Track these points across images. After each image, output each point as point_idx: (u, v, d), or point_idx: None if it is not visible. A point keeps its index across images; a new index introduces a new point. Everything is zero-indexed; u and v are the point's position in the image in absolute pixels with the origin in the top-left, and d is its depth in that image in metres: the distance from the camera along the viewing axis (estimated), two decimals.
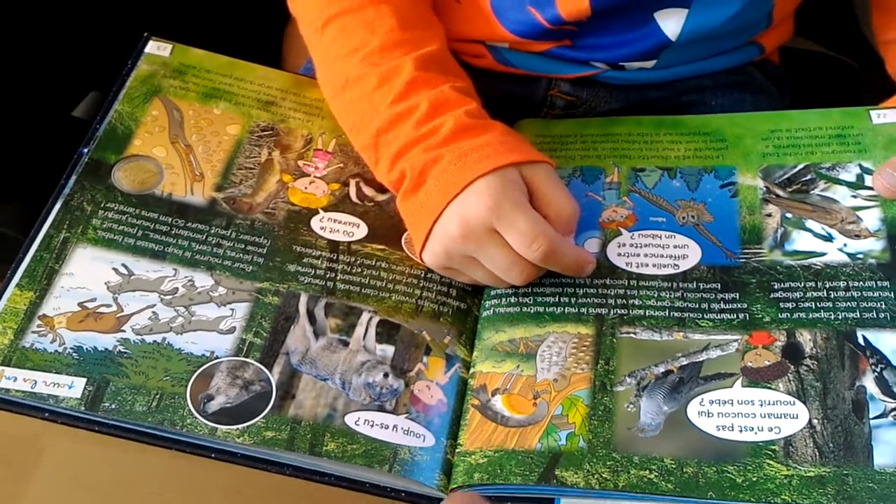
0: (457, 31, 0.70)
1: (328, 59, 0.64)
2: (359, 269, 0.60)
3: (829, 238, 0.58)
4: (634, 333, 0.55)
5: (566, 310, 0.56)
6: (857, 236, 0.58)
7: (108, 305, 0.56)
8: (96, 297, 0.57)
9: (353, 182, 0.65)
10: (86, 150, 0.64)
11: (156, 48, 0.70)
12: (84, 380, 0.53)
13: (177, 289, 0.58)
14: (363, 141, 0.62)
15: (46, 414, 0.53)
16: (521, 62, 0.70)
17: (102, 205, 0.61)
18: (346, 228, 0.62)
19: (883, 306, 0.54)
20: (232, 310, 0.57)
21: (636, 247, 0.59)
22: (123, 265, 0.58)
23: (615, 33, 0.66)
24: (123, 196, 0.62)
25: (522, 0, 0.66)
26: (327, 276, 0.59)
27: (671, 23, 0.65)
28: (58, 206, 0.61)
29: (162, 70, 0.69)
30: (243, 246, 0.60)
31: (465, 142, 0.57)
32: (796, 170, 0.62)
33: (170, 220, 0.61)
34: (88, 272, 0.58)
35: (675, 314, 0.55)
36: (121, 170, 0.63)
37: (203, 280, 0.58)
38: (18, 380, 0.53)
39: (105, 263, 0.58)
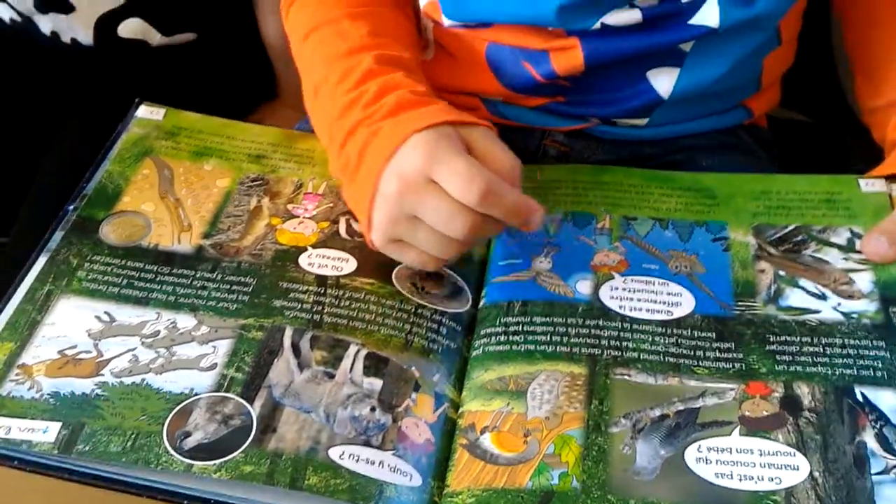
0: (453, 83, 0.70)
1: (305, 68, 0.65)
2: (347, 303, 0.58)
3: (822, 297, 0.58)
4: (629, 375, 0.54)
5: (558, 349, 0.55)
6: (851, 297, 0.57)
7: (89, 351, 0.55)
8: (77, 344, 0.55)
9: (342, 219, 0.64)
10: (72, 207, 0.63)
11: (148, 112, 0.71)
12: (59, 423, 0.51)
13: (158, 331, 0.56)
14: (325, 139, 0.61)
15: (15, 462, 0.50)
16: (516, 115, 0.70)
17: (88, 258, 0.60)
18: (334, 263, 0.60)
19: (879, 365, 0.53)
20: (214, 347, 0.55)
21: (629, 291, 0.59)
22: (106, 313, 0.57)
23: (608, 90, 0.67)
24: (110, 249, 0.61)
25: (518, 55, 0.66)
26: (314, 309, 0.57)
27: (663, 81, 0.66)
28: (43, 259, 0.60)
29: (154, 132, 0.69)
30: (228, 286, 0.59)
31: (405, 113, 0.57)
32: (788, 230, 0.62)
33: (155, 268, 0.60)
34: (70, 321, 0.56)
35: (670, 359, 0.54)
36: (109, 224, 0.62)
37: (186, 321, 0.56)
38: None
39: (88, 312, 0.57)
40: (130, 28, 0.85)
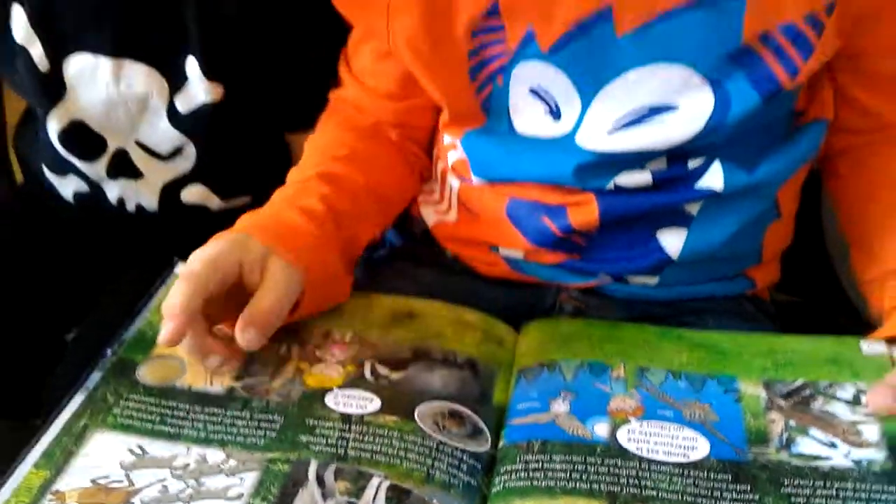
0: (476, 237, 0.75)
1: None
2: (371, 438, 0.60)
3: (833, 445, 0.59)
4: None
5: (578, 485, 0.56)
6: (860, 446, 0.59)
7: (120, 481, 0.56)
8: (109, 474, 0.57)
9: (367, 363, 0.66)
10: (110, 352, 0.67)
11: None
12: None
13: (188, 464, 0.58)
14: None
15: None
16: (534, 271, 0.75)
17: (124, 396, 0.63)
18: (359, 402, 0.63)
19: None
20: (241, 478, 0.57)
21: (646, 434, 0.60)
22: (139, 446, 0.59)
23: (621, 248, 0.72)
24: (145, 388, 0.64)
25: (538, 210, 0.71)
26: (339, 444, 0.59)
27: (672, 241, 0.70)
28: (81, 397, 0.63)
29: None
30: (257, 423, 0.61)
31: (255, 216, 0.67)
32: (796, 385, 0.65)
33: (188, 406, 0.62)
34: (104, 453, 0.59)
35: (689, 498, 0.55)
36: (145, 366, 0.66)
37: (215, 455, 0.58)
38: None
39: (121, 445, 0.59)
40: (193, 194, 0.91)
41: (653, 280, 0.73)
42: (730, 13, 0.62)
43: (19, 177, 1.03)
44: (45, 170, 0.92)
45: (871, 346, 0.68)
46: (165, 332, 0.60)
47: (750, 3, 0.62)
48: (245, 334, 0.61)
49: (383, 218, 0.79)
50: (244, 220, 0.68)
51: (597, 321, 0.72)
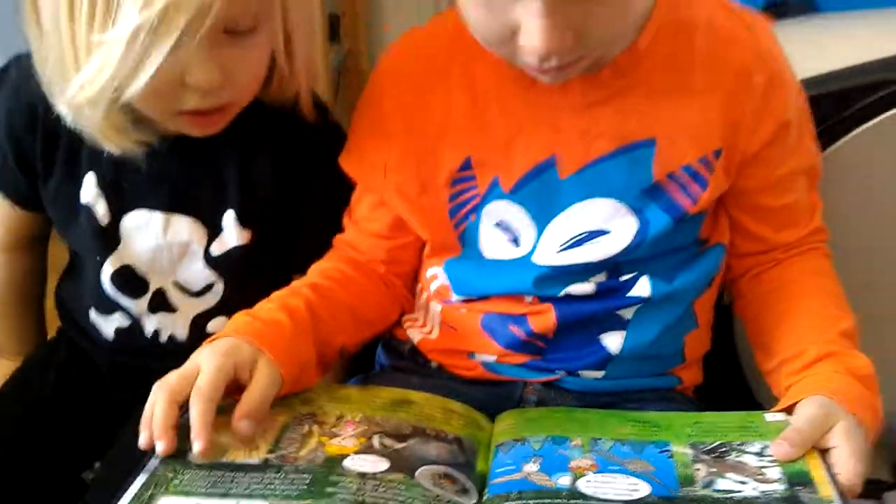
0: (456, 347, 0.93)
1: None
2: (383, 489, 0.75)
3: (744, 483, 0.76)
4: None
5: None
6: (766, 482, 0.76)
7: None
8: None
9: (376, 436, 0.82)
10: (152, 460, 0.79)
11: None
12: None
13: None
14: None
15: None
16: (505, 371, 0.92)
17: (180, 472, 0.76)
18: (372, 464, 0.78)
19: None
20: None
21: (600, 482, 0.76)
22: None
23: (573, 348, 0.90)
24: (197, 465, 0.77)
25: (506, 320, 0.90)
26: (358, 493, 0.74)
27: (613, 341, 0.89)
28: (143, 476, 0.76)
29: None
30: (290, 480, 0.76)
31: (249, 316, 0.85)
32: (715, 444, 0.82)
33: (233, 474, 0.76)
34: None
35: None
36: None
37: None
38: None
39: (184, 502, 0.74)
40: (218, 324, 1.02)
41: (600, 374, 0.91)
42: (643, 159, 0.84)
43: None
44: (92, 311, 1.04)
45: (773, 416, 0.86)
46: (196, 449, 0.75)
47: (657, 152, 0.84)
48: (241, 424, 0.77)
49: (358, 333, 0.96)
50: (240, 322, 0.85)
51: (556, 408, 0.89)
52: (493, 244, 0.90)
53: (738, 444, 0.82)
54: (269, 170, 0.97)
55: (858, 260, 0.99)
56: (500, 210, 0.89)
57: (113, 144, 0.90)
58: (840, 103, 1.05)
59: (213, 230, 0.99)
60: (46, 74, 0.88)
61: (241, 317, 0.86)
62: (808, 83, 1.02)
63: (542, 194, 0.87)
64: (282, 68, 0.92)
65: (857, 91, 1.05)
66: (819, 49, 1.11)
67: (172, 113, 0.88)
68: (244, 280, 1.01)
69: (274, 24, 0.88)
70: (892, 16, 1.22)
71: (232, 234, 0.98)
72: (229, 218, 0.98)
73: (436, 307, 0.96)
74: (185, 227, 0.98)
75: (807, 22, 1.29)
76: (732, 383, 1.11)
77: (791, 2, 1.33)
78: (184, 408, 0.83)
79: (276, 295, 0.90)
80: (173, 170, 0.96)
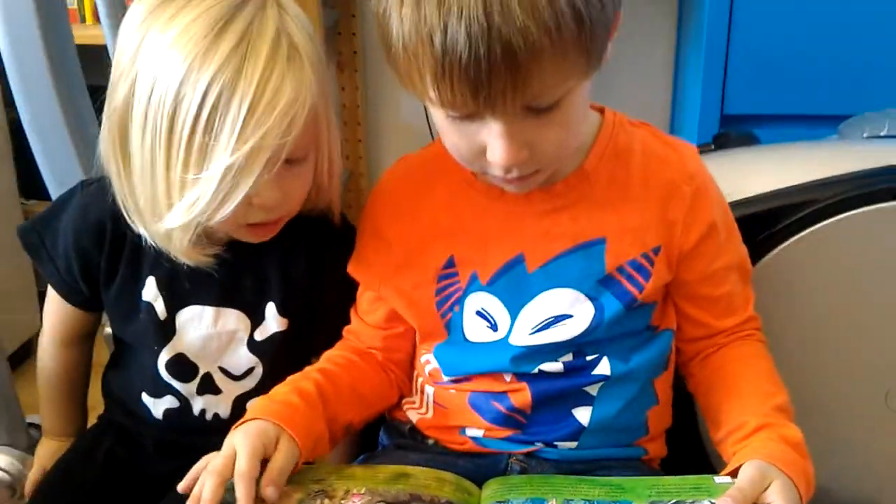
0: (448, 424, 1.07)
1: None
2: None
3: None
4: None
5: None
6: None
7: None
8: None
9: None
10: None
11: None
12: None
13: None
14: None
15: None
16: (492, 444, 1.07)
17: None
18: None
19: None
20: None
21: None
22: None
23: (548, 422, 1.05)
24: None
25: (489, 397, 1.05)
26: None
27: (583, 415, 1.04)
28: None
29: None
30: None
31: (268, 400, 1.01)
32: (671, 503, 0.96)
33: None
34: None
35: None
36: None
37: None
38: None
39: None
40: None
41: (573, 444, 1.05)
42: (596, 255, 1.02)
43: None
44: (144, 395, 1.16)
45: (721, 479, 0.99)
46: None
47: (607, 249, 1.01)
48: (268, 490, 0.92)
49: (360, 410, 1.11)
50: (260, 405, 0.99)
51: (536, 475, 1.03)
52: (474, 329, 1.06)
53: (691, 503, 0.96)
54: (303, 267, 1.13)
55: (789, 365, 1.11)
56: (480, 300, 1.05)
57: (191, 259, 1.05)
58: (772, 219, 1.22)
59: (256, 319, 1.13)
60: (133, 206, 1.02)
61: (260, 400, 1.02)
62: (747, 202, 1.20)
63: (514, 286, 1.04)
64: (322, 183, 1.09)
65: (788, 209, 1.22)
66: (757, 175, 1.29)
67: (239, 226, 1.03)
68: (279, 362, 1.13)
69: (321, 152, 1.06)
70: (821, 147, 1.42)
71: (273, 322, 1.13)
72: (270, 308, 1.12)
73: (429, 389, 1.11)
74: (232, 318, 1.12)
75: (749, 150, 1.49)
76: (693, 456, 1.25)
77: (732, 134, 1.52)
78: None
79: (290, 379, 1.05)
80: (221, 269, 1.09)
